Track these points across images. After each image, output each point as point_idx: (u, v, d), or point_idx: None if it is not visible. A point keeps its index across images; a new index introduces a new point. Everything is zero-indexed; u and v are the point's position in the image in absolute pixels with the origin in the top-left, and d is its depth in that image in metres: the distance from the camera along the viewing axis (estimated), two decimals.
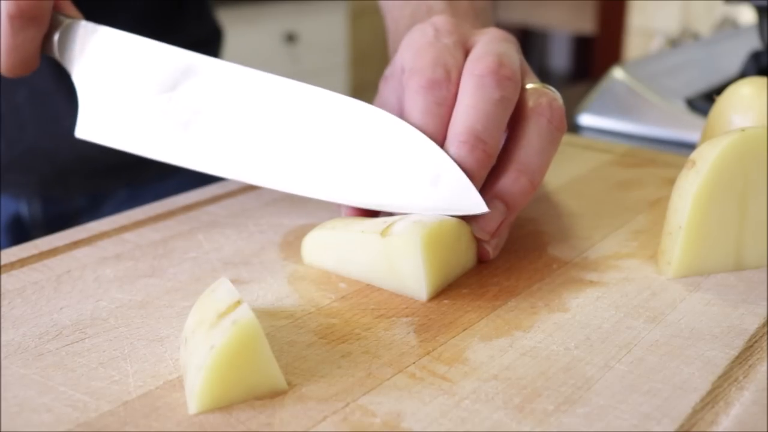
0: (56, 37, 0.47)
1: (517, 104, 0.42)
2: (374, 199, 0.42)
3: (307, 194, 0.43)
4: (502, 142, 0.43)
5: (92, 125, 0.47)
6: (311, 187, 0.43)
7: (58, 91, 0.64)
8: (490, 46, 0.43)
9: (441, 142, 0.41)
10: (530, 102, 0.42)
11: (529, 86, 0.43)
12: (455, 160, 0.40)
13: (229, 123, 0.45)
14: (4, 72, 0.47)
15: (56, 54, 0.48)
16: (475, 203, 0.40)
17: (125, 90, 0.46)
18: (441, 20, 0.45)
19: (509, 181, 0.41)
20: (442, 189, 0.40)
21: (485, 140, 0.40)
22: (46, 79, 0.63)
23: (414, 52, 0.43)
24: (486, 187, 0.41)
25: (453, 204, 0.40)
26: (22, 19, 0.45)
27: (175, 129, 0.46)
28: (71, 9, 0.48)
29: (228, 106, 0.45)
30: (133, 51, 0.46)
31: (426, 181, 0.40)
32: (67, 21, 0.47)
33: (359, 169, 0.42)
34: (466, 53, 0.43)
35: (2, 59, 0.47)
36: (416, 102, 0.41)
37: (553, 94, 0.43)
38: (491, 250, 0.42)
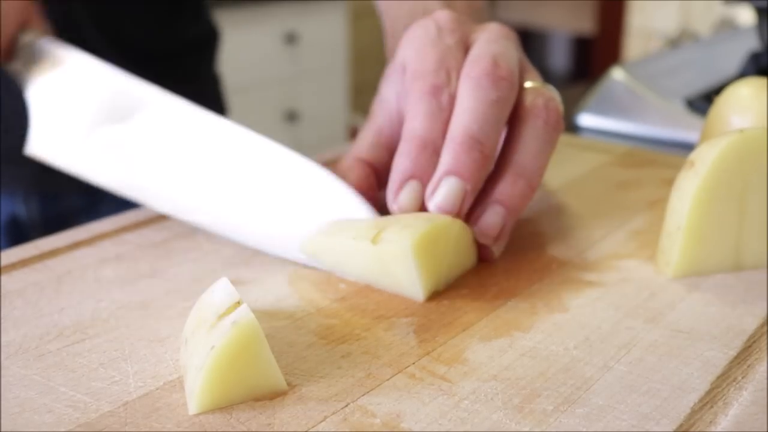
0: (14, 56, 0.46)
1: (515, 104, 0.42)
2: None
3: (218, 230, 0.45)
4: (502, 140, 0.43)
5: (41, 145, 0.47)
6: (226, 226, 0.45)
7: None
8: (488, 47, 0.43)
9: (443, 145, 0.41)
10: (526, 103, 0.43)
11: (527, 85, 0.43)
12: (453, 162, 0.40)
13: (166, 160, 0.45)
14: None
15: (12, 71, 0.47)
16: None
17: (73, 115, 0.46)
18: (443, 16, 0.45)
19: (507, 185, 0.41)
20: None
21: (482, 141, 0.40)
22: None
23: (416, 51, 0.43)
24: (485, 191, 0.42)
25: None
26: None
27: (114, 159, 0.46)
28: (37, 22, 0.47)
29: (169, 144, 0.45)
30: (86, 76, 0.46)
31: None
32: (25, 38, 0.46)
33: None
34: (467, 51, 0.44)
35: None
36: (419, 107, 0.42)
37: (551, 93, 0.43)
38: (495, 251, 0.42)
